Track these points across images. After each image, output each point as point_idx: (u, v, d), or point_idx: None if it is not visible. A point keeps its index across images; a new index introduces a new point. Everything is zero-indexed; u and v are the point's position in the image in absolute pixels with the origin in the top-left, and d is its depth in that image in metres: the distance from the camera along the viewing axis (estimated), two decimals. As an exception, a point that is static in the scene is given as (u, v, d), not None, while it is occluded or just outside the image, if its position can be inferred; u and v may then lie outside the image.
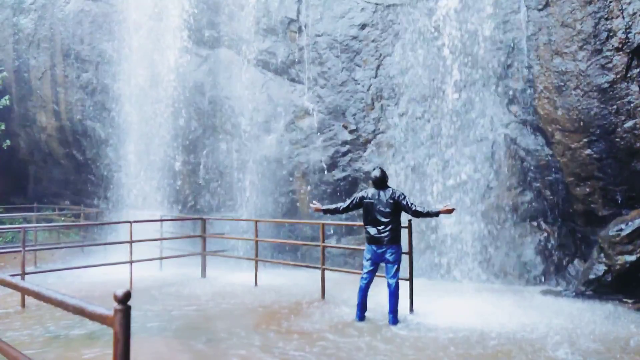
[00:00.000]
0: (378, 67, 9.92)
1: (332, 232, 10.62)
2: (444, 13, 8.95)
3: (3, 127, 15.41)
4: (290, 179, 11.10)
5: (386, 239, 6.00)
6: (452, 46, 8.86)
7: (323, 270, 7.66)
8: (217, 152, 12.29)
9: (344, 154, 10.38)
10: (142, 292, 8.00)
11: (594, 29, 7.12)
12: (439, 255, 9.01)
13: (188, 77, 12.39)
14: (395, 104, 9.78)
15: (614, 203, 7.55)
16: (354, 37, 10.02)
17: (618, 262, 7.12)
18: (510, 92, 8.59)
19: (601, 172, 7.51)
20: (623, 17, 6.86)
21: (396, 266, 6.04)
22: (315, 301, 7.33)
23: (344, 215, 8.65)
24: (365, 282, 6.18)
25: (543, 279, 8.49)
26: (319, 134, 10.58)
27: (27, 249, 7.64)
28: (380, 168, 6.32)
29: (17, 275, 7.04)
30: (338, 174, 10.49)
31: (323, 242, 7.78)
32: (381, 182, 6.16)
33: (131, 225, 8.64)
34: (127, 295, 2.12)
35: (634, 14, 6.79)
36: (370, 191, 6.20)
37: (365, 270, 6.20)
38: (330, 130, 10.46)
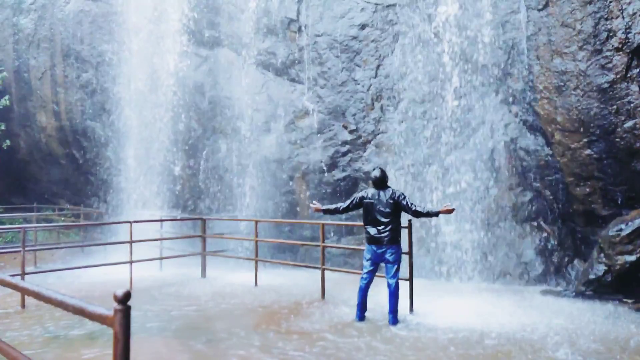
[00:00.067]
0: (378, 67, 9.93)
1: (332, 235, 10.60)
2: (443, 19, 8.95)
3: (3, 127, 15.41)
4: (290, 179, 11.10)
5: (386, 239, 6.00)
6: (452, 53, 8.86)
7: (323, 270, 7.65)
8: (217, 153, 12.29)
9: (344, 154, 10.38)
10: (142, 292, 8.00)
11: (593, 29, 7.12)
12: (439, 263, 9.01)
13: (187, 80, 12.39)
14: (394, 108, 9.77)
15: (614, 203, 7.55)
16: (354, 37, 10.02)
17: (618, 262, 7.12)
18: (510, 93, 8.59)
19: (601, 172, 7.51)
20: (623, 17, 6.87)
21: (396, 266, 6.03)
22: (315, 301, 7.33)
23: (343, 216, 8.65)
24: (365, 282, 6.18)
25: (543, 279, 8.49)
26: (318, 134, 10.58)
27: (27, 249, 7.64)
28: (380, 168, 6.31)
29: (17, 275, 7.04)
30: (338, 174, 10.49)
31: (323, 242, 7.77)
32: (381, 182, 6.15)
33: (131, 225, 8.64)
34: (127, 296, 2.12)
35: (634, 14, 6.79)
36: (370, 191, 6.20)
37: (365, 271, 6.20)
38: (330, 131, 10.46)
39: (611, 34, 6.98)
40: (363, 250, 6.37)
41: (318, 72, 10.49)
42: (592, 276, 7.37)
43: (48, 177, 16.42)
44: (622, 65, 6.95)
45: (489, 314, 6.48)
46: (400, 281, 6.10)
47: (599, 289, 7.29)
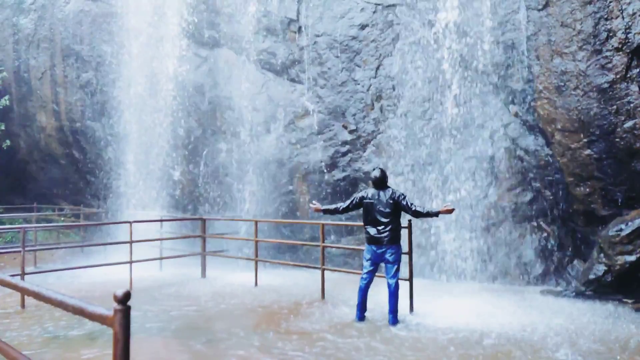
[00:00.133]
0: (378, 68, 9.93)
1: (332, 237, 10.60)
2: (443, 25, 8.94)
3: (3, 128, 15.40)
4: (290, 179, 11.10)
5: (386, 239, 6.00)
6: (452, 59, 8.86)
7: (323, 270, 7.65)
8: (217, 157, 12.28)
9: (344, 154, 10.38)
10: (141, 292, 8.00)
11: (593, 29, 7.12)
12: (438, 272, 9.01)
13: (187, 81, 12.37)
14: (394, 114, 9.76)
15: (614, 203, 7.55)
16: (354, 37, 10.02)
17: (618, 262, 7.12)
18: (510, 93, 8.59)
19: (601, 172, 7.51)
20: (623, 17, 6.87)
21: (396, 266, 6.03)
22: (315, 301, 7.33)
23: (343, 216, 8.65)
24: (365, 282, 6.18)
25: (543, 279, 8.49)
26: (318, 134, 10.58)
27: (26, 249, 7.64)
28: (380, 168, 6.31)
29: (17, 275, 7.04)
30: (338, 174, 10.49)
31: (323, 242, 7.77)
32: (381, 182, 6.15)
33: (131, 225, 8.64)
34: (127, 296, 2.12)
35: (634, 14, 6.79)
36: (370, 191, 6.20)
37: (365, 271, 6.20)
38: (330, 131, 10.46)
39: (611, 34, 6.98)
40: (363, 250, 6.37)
41: (318, 72, 10.49)
42: (592, 276, 7.37)
43: (48, 177, 16.42)
44: (622, 66, 6.95)
45: (489, 314, 6.48)
46: (400, 281, 6.10)
47: (599, 289, 7.29)
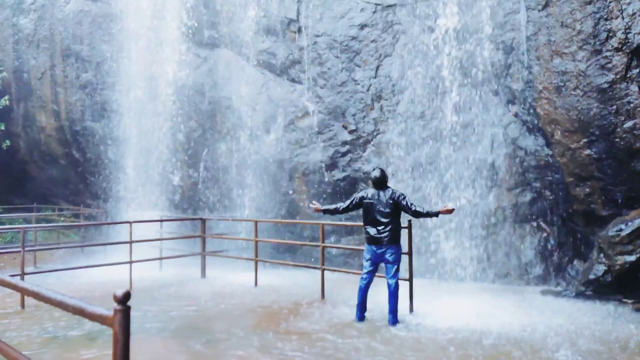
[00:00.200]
0: (378, 68, 9.92)
1: (332, 239, 10.59)
2: (442, 32, 8.94)
3: (3, 128, 15.40)
4: (290, 179, 11.10)
5: (386, 239, 5.99)
6: (452, 67, 8.85)
7: (323, 270, 7.65)
8: (217, 160, 12.27)
9: (344, 154, 10.38)
10: (141, 292, 7.99)
11: (593, 29, 7.12)
12: (438, 272, 9.00)
13: (187, 85, 12.36)
14: (394, 120, 9.76)
15: (614, 203, 7.55)
16: (354, 38, 10.02)
17: (618, 262, 7.12)
18: (510, 93, 8.59)
19: (601, 173, 7.50)
20: (623, 18, 6.86)
21: (396, 266, 6.03)
22: (315, 301, 7.33)
23: (343, 216, 8.65)
24: (365, 282, 6.18)
25: (543, 279, 8.49)
26: (318, 134, 10.57)
27: (26, 249, 7.64)
28: (380, 168, 6.31)
29: (17, 275, 7.04)
30: (338, 174, 10.49)
31: (323, 242, 7.77)
32: (381, 183, 6.15)
33: (131, 225, 8.64)
34: (127, 296, 2.12)
35: (634, 14, 6.79)
36: (370, 191, 6.20)
37: (365, 271, 6.20)
38: (330, 131, 10.46)
39: (611, 34, 6.98)
40: (363, 250, 6.37)
41: (318, 73, 10.49)
42: (592, 276, 7.37)
43: (48, 177, 16.42)
44: (622, 66, 6.94)
45: (489, 314, 6.48)
46: (400, 281, 6.10)
47: (599, 289, 7.29)
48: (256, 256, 8.90)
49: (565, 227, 8.46)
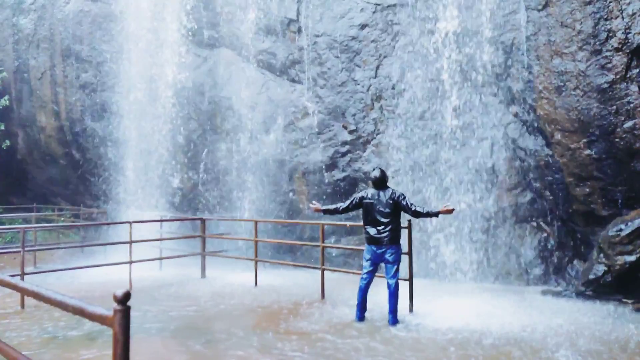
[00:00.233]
0: (378, 68, 9.92)
1: (332, 240, 10.59)
2: (442, 35, 8.94)
3: (2, 128, 15.40)
4: (290, 179, 11.10)
5: (386, 239, 5.99)
6: (451, 70, 8.85)
7: (323, 270, 7.65)
8: (217, 156, 12.27)
9: (344, 154, 10.38)
10: (141, 292, 7.99)
11: (593, 29, 7.12)
12: (438, 272, 8.99)
13: (187, 86, 12.35)
14: (394, 125, 9.76)
15: (614, 203, 7.55)
16: (354, 38, 10.02)
17: (618, 262, 7.12)
18: (510, 93, 8.59)
19: (601, 173, 7.50)
20: (622, 18, 6.86)
21: (396, 266, 6.03)
22: (315, 301, 7.33)
23: (343, 216, 8.65)
24: (364, 282, 6.18)
25: (543, 279, 8.49)
26: (318, 134, 10.57)
27: (26, 249, 7.64)
28: (380, 168, 6.31)
29: (17, 275, 7.03)
30: (338, 174, 10.49)
31: (323, 242, 7.77)
32: (381, 183, 6.15)
33: (131, 225, 8.64)
34: (127, 296, 2.12)
35: (634, 14, 6.79)
36: (369, 191, 6.20)
37: (364, 271, 6.20)
38: (330, 131, 10.46)
39: (611, 34, 6.98)
40: (363, 250, 6.37)
41: (318, 73, 10.49)
42: (591, 276, 7.37)
43: (47, 177, 16.42)
44: (622, 66, 6.94)
45: (489, 314, 6.48)
46: (400, 281, 6.10)
47: (599, 289, 7.28)
48: (256, 256, 8.90)
49: (565, 227, 8.46)
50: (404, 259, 6.37)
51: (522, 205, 8.72)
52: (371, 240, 6.09)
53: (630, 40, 6.83)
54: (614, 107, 7.09)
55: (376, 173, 6.20)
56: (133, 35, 13.11)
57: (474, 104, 8.76)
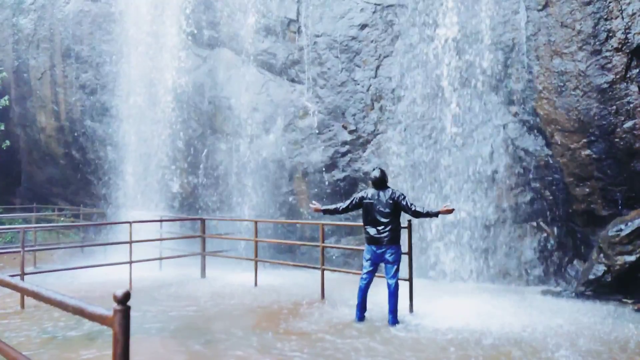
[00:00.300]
0: (378, 68, 9.92)
1: (332, 240, 10.59)
2: (442, 42, 8.94)
3: (2, 128, 15.41)
4: (290, 179, 11.10)
5: (386, 239, 5.99)
6: (451, 77, 8.85)
7: (322, 270, 7.65)
8: (217, 157, 12.26)
9: (344, 154, 10.38)
10: (141, 292, 7.99)
11: (593, 29, 7.12)
12: (438, 272, 8.99)
13: (186, 88, 12.35)
14: (394, 129, 9.76)
15: (614, 203, 7.55)
16: (354, 38, 10.02)
17: (617, 262, 7.12)
18: (510, 93, 8.59)
19: (601, 173, 7.51)
20: (622, 18, 6.87)
21: (396, 266, 6.03)
22: (315, 302, 7.33)
23: (343, 216, 8.64)
24: (364, 282, 6.17)
25: (543, 280, 8.48)
26: (318, 134, 10.57)
27: (26, 249, 7.63)
28: (380, 168, 6.30)
29: (17, 275, 7.03)
30: (337, 175, 10.49)
31: (323, 242, 7.77)
32: (381, 183, 6.15)
33: (131, 225, 8.63)
34: (127, 296, 2.12)
35: (634, 14, 6.79)
36: (369, 191, 6.20)
37: (364, 271, 6.19)
38: (329, 131, 10.46)
39: (611, 35, 6.98)
40: (363, 250, 6.37)
41: (318, 73, 10.49)
42: (591, 276, 7.37)
43: (47, 177, 16.42)
44: (622, 66, 6.95)
45: (489, 314, 6.48)
46: (400, 281, 6.09)
47: (599, 289, 7.29)
48: (256, 256, 8.90)
49: (565, 227, 8.46)
50: (404, 259, 6.37)
51: (522, 206, 8.72)
52: (371, 240, 6.09)
53: (630, 40, 6.83)
54: (614, 107, 7.09)
55: (376, 173, 6.20)
56: (133, 39, 13.10)
57: (474, 111, 8.76)
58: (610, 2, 6.95)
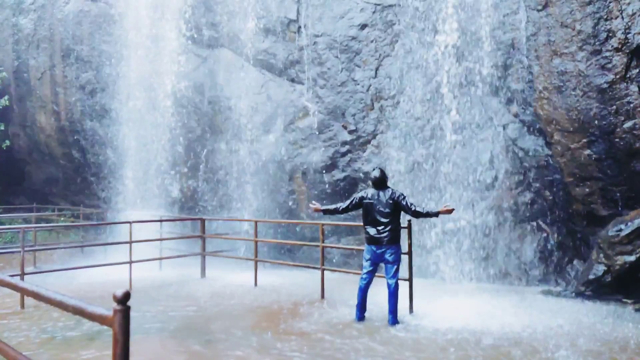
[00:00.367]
0: (377, 68, 9.92)
1: (332, 240, 10.58)
2: (442, 49, 8.94)
3: (2, 128, 15.40)
4: (290, 179, 11.09)
5: (386, 239, 5.99)
6: (451, 85, 8.85)
7: (322, 270, 7.65)
8: (217, 159, 12.25)
9: (344, 154, 10.38)
10: (141, 292, 7.99)
11: (593, 29, 7.12)
12: (438, 272, 8.98)
13: (185, 91, 12.35)
14: (393, 133, 9.76)
15: (614, 203, 7.55)
16: (354, 38, 10.02)
17: (617, 262, 7.12)
18: (510, 93, 8.59)
19: (601, 173, 7.51)
20: (622, 18, 6.87)
21: (396, 266, 6.03)
22: (315, 302, 7.32)
23: (342, 216, 8.64)
24: (364, 282, 6.17)
25: (543, 280, 8.49)
26: (318, 134, 10.57)
27: (26, 249, 7.64)
28: (380, 168, 6.31)
29: (16, 275, 7.03)
30: (337, 175, 10.48)
31: (322, 242, 7.77)
32: (381, 183, 6.15)
33: (131, 225, 8.63)
34: (127, 296, 2.12)
35: (633, 14, 6.79)
36: (369, 191, 6.20)
37: (364, 271, 6.19)
38: (329, 131, 10.46)
39: (610, 35, 6.98)
40: (363, 250, 6.37)
41: (318, 73, 10.49)
42: (591, 276, 7.37)
43: (47, 177, 16.42)
44: (622, 66, 6.95)
45: (489, 314, 6.47)
46: (399, 281, 6.09)
47: (599, 289, 7.28)
48: (256, 256, 8.90)
49: (565, 227, 8.46)
50: (404, 259, 6.37)
51: (522, 206, 8.72)
52: (371, 240, 6.09)
53: (630, 40, 6.83)
54: (614, 107, 7.09)
55: (376, 173, 6.19)
56: (132, 42, 13.10)
57: (474, 118, 8.76)
58: (610, 2, 6.95)
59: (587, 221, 7.99)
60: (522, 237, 8.72)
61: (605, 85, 7.09)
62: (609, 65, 7.04)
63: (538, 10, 7.81)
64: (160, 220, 10.94)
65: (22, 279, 7.05)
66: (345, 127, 10.28)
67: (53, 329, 5.90)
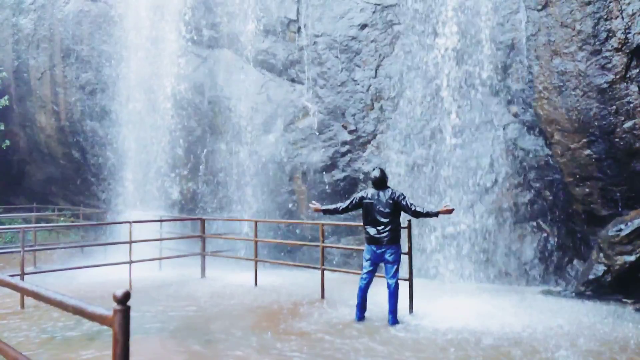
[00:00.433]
0: (377, 68, 9.92)
1: (332, 240, 10.59)
2: (442, 52, 8.93)
3: (2, 128, 15.39)
4: (290, 179, 11.09)
5: (386, 239, 5.99)
6: (451, 89, 8.85)
7: (322, 270, 7.65)
8: (216, 160, 12.25)
9: (344, 154, 10.38)
10: (141, 292, 7.99)
11: (593, 29, 7.12)
12: (438, 272, 8.98)
13: (186, 92, 12.35)
14: (393, 136, 9.76)
15: (614, 203, 7.55)
16: (354, 38, 10.02)
17: (617, 262, 7.12)
18: (510, 93, 8.59)
19: (601, 173, 7.51)
20: (622, 18, 6.87)
21: (396, 266, 6.03)
22: (315, 301, 7.33)
23: (342, 215, 8.64)
24: (364, 282, 6.18)
25: (543, 280, 8.49)
26: (318, 134, 10.57)
27: (26, 249, 7.63)
28: (380, 168, 6.31)
29: (16, 275, 7.03)
30: (337, 175, 10.48)
31: (322, 242, 7.77)
32: (381, 183, 6.15)
33: (131, 225, 8.63)
34: (127, 296, 2.12)
35: (633, 14, 6.79)
36: (369, 191, 6.20)
37: (364, 271, 6.20)
38: (329, 131, 10.46)
39: (610, 34, 6.98)
40: (363, 250, 6.37)
41: (318, 73, 10.49)
42: (591, 276, 7.37)
43: (47, 177, 16.42)
44: (622, 66, 6.95)
45: (489, 314, 6.48)
46: (399, 281, 6.09)
47: (599, 289, 7.29)
48: (256, 256, 8.90)
49: (565, 227, 8.46)
50: (404, 259, 6.37)
51: (522, 206, 8.72)
52: (371, 240, 6.09)
53: (630, 40, 6.83)
54: (614, 107, 7.09)
55: (376, 173, 6.20)
56: (132, 43, 13.09)
57: (474, 121, 8.76)
58: (610, 2, 6.95)
59: (587, 221, 7.99)
60: (522, 237, 8.73)
61: (605, 85, 7.10)
62: (609, 65, 7.04)
63: (538, 10, 7.82)
64: (160, 220, 10.93)
65: (22, 278, 7.05)
66: (345, 127, 10.28)
67: (53, 329, 5.90)
